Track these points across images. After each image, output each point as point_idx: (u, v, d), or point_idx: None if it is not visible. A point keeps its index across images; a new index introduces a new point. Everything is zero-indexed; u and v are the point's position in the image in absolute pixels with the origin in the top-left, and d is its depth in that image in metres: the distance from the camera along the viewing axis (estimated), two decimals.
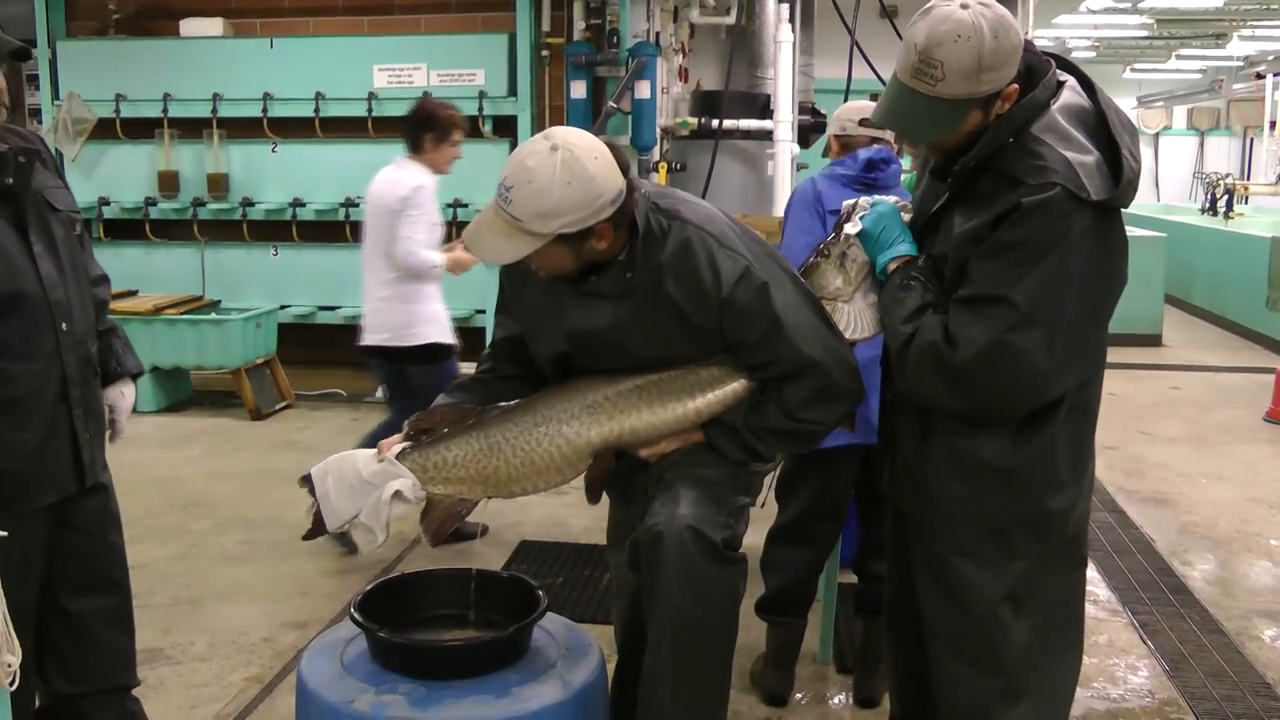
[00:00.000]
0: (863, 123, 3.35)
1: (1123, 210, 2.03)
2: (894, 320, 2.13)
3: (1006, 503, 2.11)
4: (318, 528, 2.36)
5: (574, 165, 2.09)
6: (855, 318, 2.27)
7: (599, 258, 2.23)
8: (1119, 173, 1.95)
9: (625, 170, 2.18)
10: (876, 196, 2.28)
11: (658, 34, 7.13)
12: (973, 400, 2.03)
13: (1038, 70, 2.01)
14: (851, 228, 2.23)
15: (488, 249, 2.17)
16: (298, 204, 7.48)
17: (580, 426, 2.30)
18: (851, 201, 2.29)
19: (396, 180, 4.34)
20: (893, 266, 2.19)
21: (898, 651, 2.49)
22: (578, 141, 2.12)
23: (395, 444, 2.35)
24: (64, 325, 2.34)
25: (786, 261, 2.36)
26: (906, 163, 3.65)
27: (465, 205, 7.24)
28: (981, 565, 2.15)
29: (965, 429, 2.11)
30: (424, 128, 4.38)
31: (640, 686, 2.27)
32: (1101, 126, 2.00)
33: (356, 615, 2.29)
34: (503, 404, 2.40)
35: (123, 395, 2.60)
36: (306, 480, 2.36)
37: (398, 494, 2.28)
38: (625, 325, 2.28)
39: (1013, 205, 1.92)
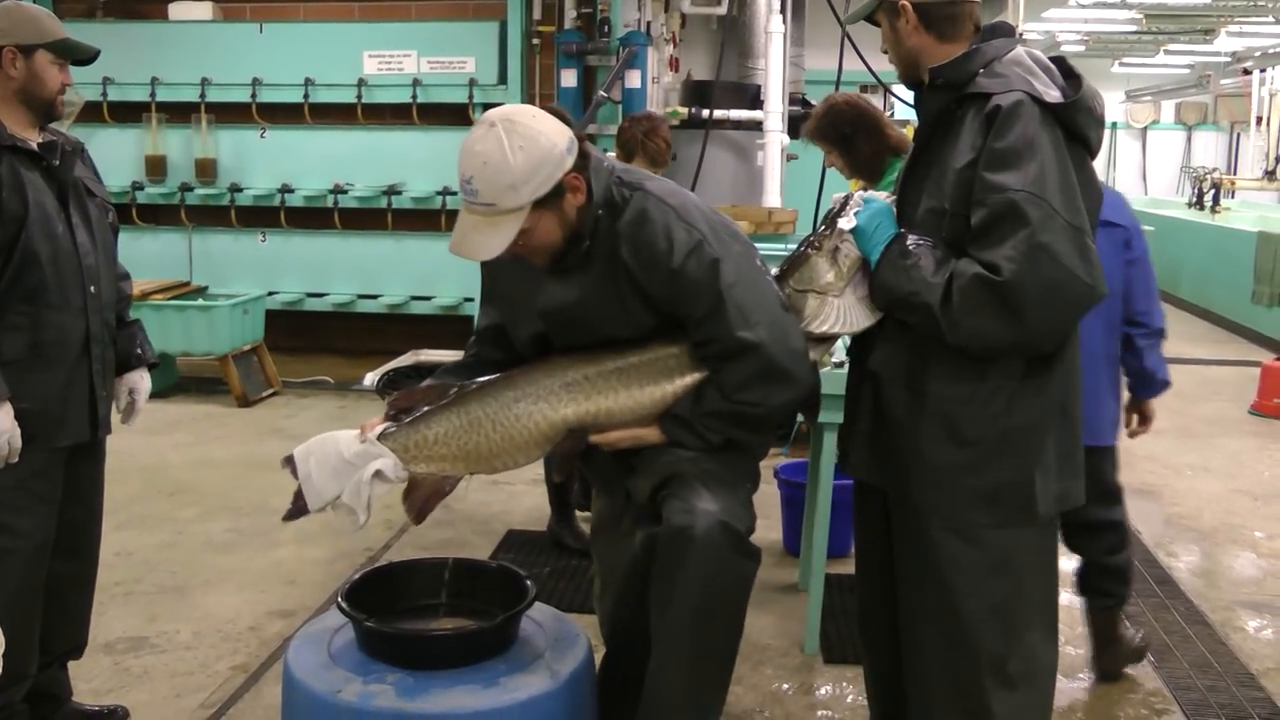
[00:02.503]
0: None
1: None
2: (912, 284, 2.11)
3: (999, 469, 2.15)
4: (299, 509, 2.35)
5: (517, 129, 2.13)
6: (845, 312, 2.26)
7: (581, 218, 2.24)
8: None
9: (568, 123, 2.23)
10: (870, 192, 2.27)
11: (649, 23, 7.12)
12: (1026, 323, 2.04)
13: (1002, 28, 2.24)
14: (846, 223, 2.21)
15: (477, 246, 2.18)
16: (286, 190, 7.45)
17: (557, 404, 2.31)
18: (843, 195, 2.28)
19: None
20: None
21: (874, 653, 2.48)
22: (511, 111, 2.19)
23: (377, 425, 2.36)
24: (92, 288, 2.69)
25: (752, 246, 2.36)
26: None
27: (454, 194, 7.22)
28: (968, 540, 2.17)
29: (960, 393, 2.14)
30: None
31: (648, 675, 2.26)
32: (1069, 76, 2.14)
33: (344, 604, 2.29)
34: (482, 379, 2.40)
35: (143, 379, 3.00)
36: (289, 461, 2.35)
37: (379, 474, 2.28)
38: (592, 298, 2.29)
39: (994, 108, 2.07)
